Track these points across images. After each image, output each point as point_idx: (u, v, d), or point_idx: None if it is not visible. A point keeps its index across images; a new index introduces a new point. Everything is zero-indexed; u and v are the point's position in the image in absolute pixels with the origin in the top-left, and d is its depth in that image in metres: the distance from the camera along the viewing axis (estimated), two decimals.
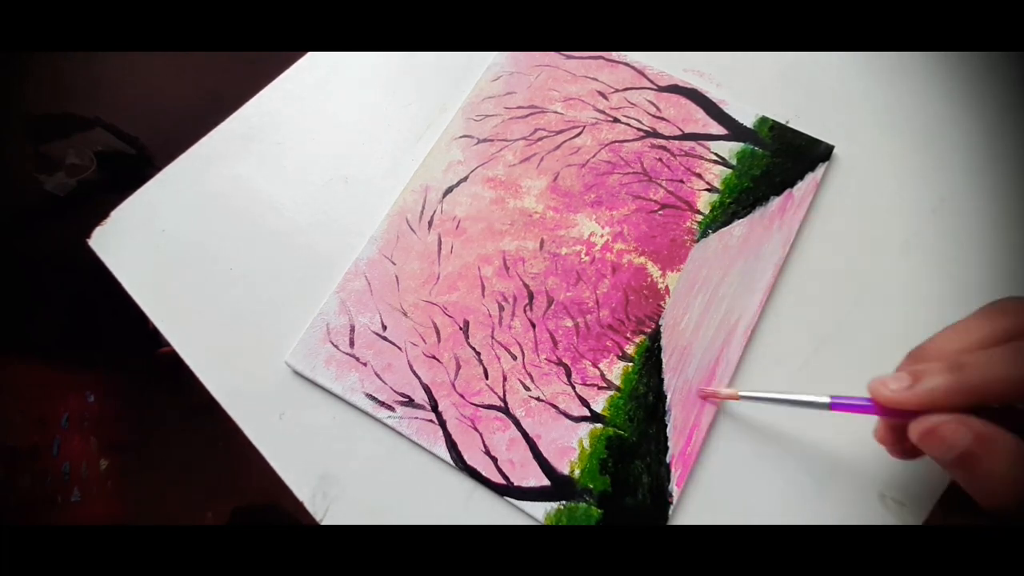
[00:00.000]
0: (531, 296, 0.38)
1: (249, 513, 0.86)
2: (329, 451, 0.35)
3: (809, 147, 0.40)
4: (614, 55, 0.44)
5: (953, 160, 0.39)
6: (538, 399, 0.35)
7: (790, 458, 0.33)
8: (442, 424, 0.35)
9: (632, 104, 0.42)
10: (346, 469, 0.35)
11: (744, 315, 0.36)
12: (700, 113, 0.42)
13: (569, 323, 0.37)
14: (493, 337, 0.37)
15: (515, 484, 0.33)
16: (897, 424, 0.26)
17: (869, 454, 0.32)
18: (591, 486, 0.33)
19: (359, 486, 0.34)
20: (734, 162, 0.40)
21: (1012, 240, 0.37)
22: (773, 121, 0.41)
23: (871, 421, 0.27)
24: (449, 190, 0.41)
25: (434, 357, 0.36)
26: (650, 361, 0.35)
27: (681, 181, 0.40)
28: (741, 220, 0.38)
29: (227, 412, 0.36)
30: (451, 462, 0.34)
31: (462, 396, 0.35)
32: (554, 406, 0.35)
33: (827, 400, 0.28)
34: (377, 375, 0.36)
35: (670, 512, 0.32)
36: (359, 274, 0.39)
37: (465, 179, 0.41)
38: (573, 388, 0.35)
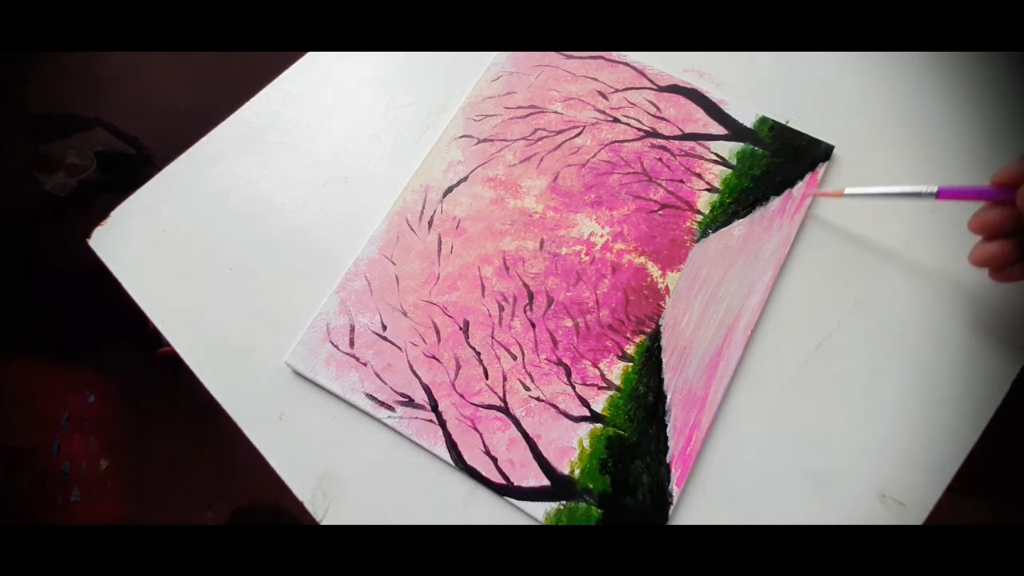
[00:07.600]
0: (531, 296, 0.38)
1: (249, 513, 0.86)
2: (329, 451, 0.35)
3: (809, 147, 0.40)
4: (614, 55, 0.44)
5: (953, 160, 0.39)
6: (538, 399, 0.35)
7: (790, 458, 0.33)
8: (442, 424, 0.35)
9: (632, 104, 0.42)
10: (346, 469, 0.35)
11: (744, 315, 0.36)
12: (700, 113, 0.42)
13: (569, 323, 0.37)
14: (493, 337, 0.37)
15: (515, 484, 0.33)
16: (1008, 210, 0.29)
17: (869, 454, 0.32)
18: (591, 486, 0.33)
19: (359, 486, 0.34)
20: (734, 162, 0.40)
21: None
22: (773, 121, 0.41)
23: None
24: (449, 190, 0.41)
25: (434, 357, 0.36)
26: (650, 361, 0.35)
27: (681, 181, 0.40)
28: (741, 220, 0.38)
29: (227, 412, 0.36)
30: (451, 462, 0.34)
31: (462, 396, 0.35)
32: (554, 406, 0.35)
33: (935, 189, 0.31)
34: (377, 375, 0.36)
35: (670, 512, 0.32)
36: (359, 274, 0.39)
37: (465, 179, 0.41)
38: (573, 388, 0.35)
